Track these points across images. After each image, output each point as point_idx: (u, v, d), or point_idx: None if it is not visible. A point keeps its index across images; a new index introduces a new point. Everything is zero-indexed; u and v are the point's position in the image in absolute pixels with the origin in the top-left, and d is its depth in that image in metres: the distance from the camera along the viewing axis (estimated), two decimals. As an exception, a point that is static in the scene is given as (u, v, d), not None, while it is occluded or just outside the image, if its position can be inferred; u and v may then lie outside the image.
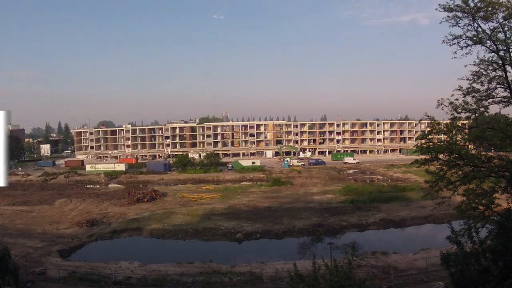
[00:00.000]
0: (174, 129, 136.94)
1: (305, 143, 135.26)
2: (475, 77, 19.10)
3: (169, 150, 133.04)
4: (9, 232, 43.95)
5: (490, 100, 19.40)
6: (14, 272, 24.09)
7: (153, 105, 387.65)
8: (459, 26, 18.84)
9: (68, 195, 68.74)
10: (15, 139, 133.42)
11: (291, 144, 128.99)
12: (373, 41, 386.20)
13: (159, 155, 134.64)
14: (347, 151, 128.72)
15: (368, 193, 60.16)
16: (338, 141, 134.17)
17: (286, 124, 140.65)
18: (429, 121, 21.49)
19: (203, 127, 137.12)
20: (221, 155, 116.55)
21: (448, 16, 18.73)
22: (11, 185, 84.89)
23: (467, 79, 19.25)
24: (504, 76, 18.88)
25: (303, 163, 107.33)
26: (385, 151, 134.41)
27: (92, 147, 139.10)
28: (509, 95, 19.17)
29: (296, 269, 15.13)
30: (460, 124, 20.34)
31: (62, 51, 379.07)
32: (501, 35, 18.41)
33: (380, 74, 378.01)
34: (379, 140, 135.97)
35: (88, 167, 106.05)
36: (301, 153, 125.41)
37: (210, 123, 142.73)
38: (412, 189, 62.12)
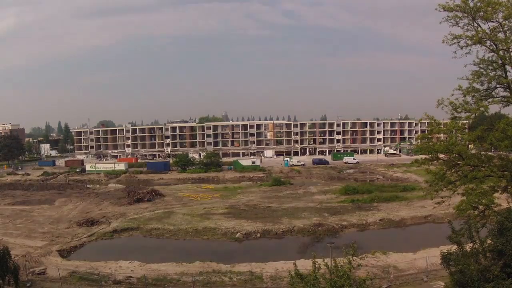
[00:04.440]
0: (174, 128, 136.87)
1: (305, 143, 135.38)
2: (475, 76, 19.12)
3: (169, 149, 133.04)
4: (9, 232, 43.96)
5: (490, 100, 19.43)
6: (14, 271, 24.18)
7: (153, 105, 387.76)
8: (458, 26, 18.89)
9: (68, 195, 68.82)
10: (15, 139, 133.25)
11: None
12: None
13: (159, 154, 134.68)
14: (347, 150, 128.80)
15: (368, 192, 60.17)
16: (338, 140, 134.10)
17: (286, 124, 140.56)
18: (429, 121, 21.51)
19: (203, 126, 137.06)
20: (220, 154, 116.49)
21: (448, 16, 18.75)
22: (11, 185, 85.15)
23: (467, 79, 19.27)
24: (503, 75, 18.91)
25: (303, 163, 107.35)
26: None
27: (92, 147, 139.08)
28: (509, 94, 19.19)
29: (296, 269, 15.13)
30: (460, 124, 20.35)
31: (62, 52, 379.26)
32: (500, 35, 18.43)
33: (380, 74, 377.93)
34: (379, 139, 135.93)
35: (88, 167, 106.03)
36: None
37: (210, 123, 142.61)
38: (412, 189, 62.09)
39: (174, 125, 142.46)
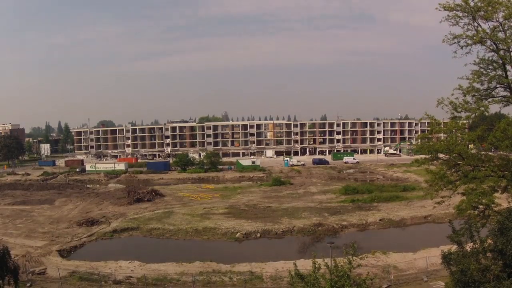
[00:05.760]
0: (174, 128, 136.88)
1: (305, 143, 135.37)
2: (475, 76, 19.09)
3: (169, 149, 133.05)
4: (9, 232, 43.95)
5: (490, 100, 19.41)
6: (14, 271, 24.07)
7: (153, 104, 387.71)
8: (459, 26, 18.86)
9: (68, 195, 68.80)
10: (15, 139, 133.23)
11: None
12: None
13: (159, 154, 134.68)
14: (347, 150, 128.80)
15: (368, 192, 60.15)
16: (338, 140, 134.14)
17: (286, 124, 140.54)
18: (429, 121, 21.50)
19: (203, 126, 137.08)
20: (220, 154, 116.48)
21: (448, 15, 18.73)
22: (11, 185, 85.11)
23: (467, 79, 19.24)
24: (504, 75, 18.88)
25: (303, 163, 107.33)
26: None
27: (92, 147, 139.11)
28: (509, 94, 19.17)
29: (296, 269, 15.10)
30: (460, 124, 20.34)
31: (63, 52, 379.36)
32: (501, 35, 18.40)
33: (380, 73, 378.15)
34: (379, 139, 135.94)
35: (88, 167, 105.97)
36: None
37: (210, 123, 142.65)
38: (412, 189, 62.10)
39: (174, 125, 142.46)
